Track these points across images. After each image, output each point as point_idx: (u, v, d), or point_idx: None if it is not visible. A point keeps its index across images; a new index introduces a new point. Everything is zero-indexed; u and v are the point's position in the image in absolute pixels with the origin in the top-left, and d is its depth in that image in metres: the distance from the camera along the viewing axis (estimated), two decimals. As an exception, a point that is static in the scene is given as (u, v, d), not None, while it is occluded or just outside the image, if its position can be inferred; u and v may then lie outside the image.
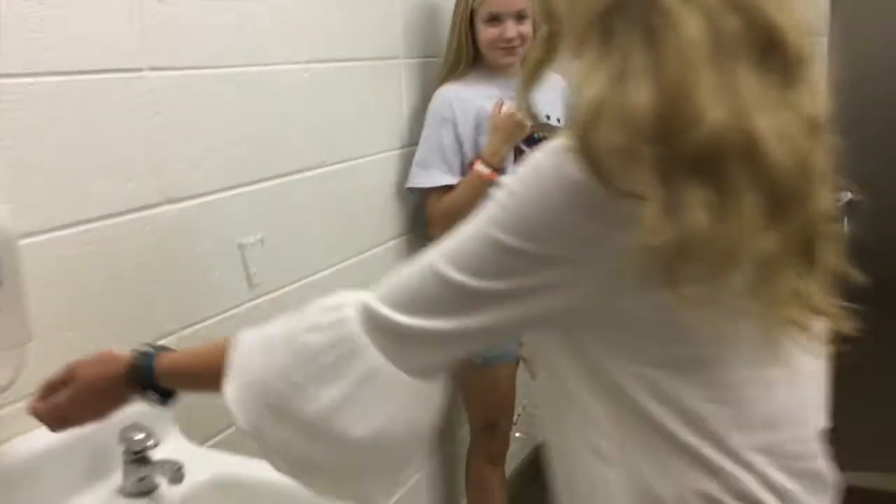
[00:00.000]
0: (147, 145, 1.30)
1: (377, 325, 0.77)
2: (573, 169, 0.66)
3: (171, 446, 1.21)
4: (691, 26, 0.64)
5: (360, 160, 1.85)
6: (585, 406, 0.77)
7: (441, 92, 1.97)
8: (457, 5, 1.97)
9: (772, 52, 0.66)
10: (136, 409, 1.07)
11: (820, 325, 0.74)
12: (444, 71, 2.01)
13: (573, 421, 0.79)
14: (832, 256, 0.72)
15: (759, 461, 0.74)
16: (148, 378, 0.93)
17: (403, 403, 0.79)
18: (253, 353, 0.83)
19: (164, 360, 0.93)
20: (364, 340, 0.77)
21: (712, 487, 0.73)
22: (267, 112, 1.55)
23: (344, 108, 1.78)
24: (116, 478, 1.17)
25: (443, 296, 0.74)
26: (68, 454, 1.12)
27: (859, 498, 1.15)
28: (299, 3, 1.62)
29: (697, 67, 0.63)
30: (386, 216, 1.97)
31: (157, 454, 1.16)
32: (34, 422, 1.02)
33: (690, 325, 0.68)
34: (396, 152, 1.99)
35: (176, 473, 1.12)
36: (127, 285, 1.27)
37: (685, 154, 0.63)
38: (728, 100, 0.64)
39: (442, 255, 0.75)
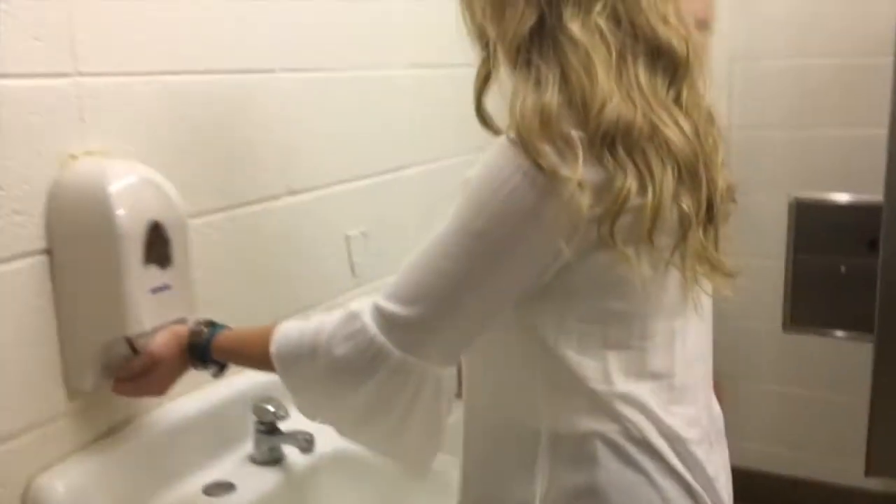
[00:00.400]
0: (277, 140, 1.40)
1: (390, 324, 0.85)
2: (519, 157, 0.79)
3: (296, 418, 1.31)
4: (588, 43, 0.81)
5: (452, 160, 1.95)
6: (509, 353, 0.91)
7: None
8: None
9: (658, 56, 0.83)
10: (267, 383, 1.17)
11: (709, 285, 0.91)
12: None
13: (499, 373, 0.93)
14: (725, 225, 0.90)
15: (656, 407, 0.87)
16: (205, 354, 1.04)
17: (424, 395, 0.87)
18: (291, 356, 0.93)
19: (219, 341, 1.04)
20: (381, 341, 0.85)
21: (612, 430, 0.85)
22: (371, 113, 1.65)
23: (442, 109, 1.87)
24: (247, 446, 1.27)
25: (434, 282, 0.84)
26: (204, 424, 1.22)
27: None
28: (409, 11, 1.72)
29: (596, 71, 0.80)
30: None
31: (284, 426, 1.25)
32: (175, 392, 1.14)
33: (623, 282, 0.83)
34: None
35: (307, 443, 1.22)
36: (257, 268, 1.37)
37: (604, 133, 0.79)
38: (629, 92, 0.81)
39: (429, 247, 0.85)
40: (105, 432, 1.11)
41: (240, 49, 1.30)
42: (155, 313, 1.03)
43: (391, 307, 0.85)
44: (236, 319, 1.16)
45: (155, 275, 1.03)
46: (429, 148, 1.84)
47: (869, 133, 2.22)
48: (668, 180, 0.81)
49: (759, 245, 2.42)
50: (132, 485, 1.10)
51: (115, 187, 0.99)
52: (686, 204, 0.83)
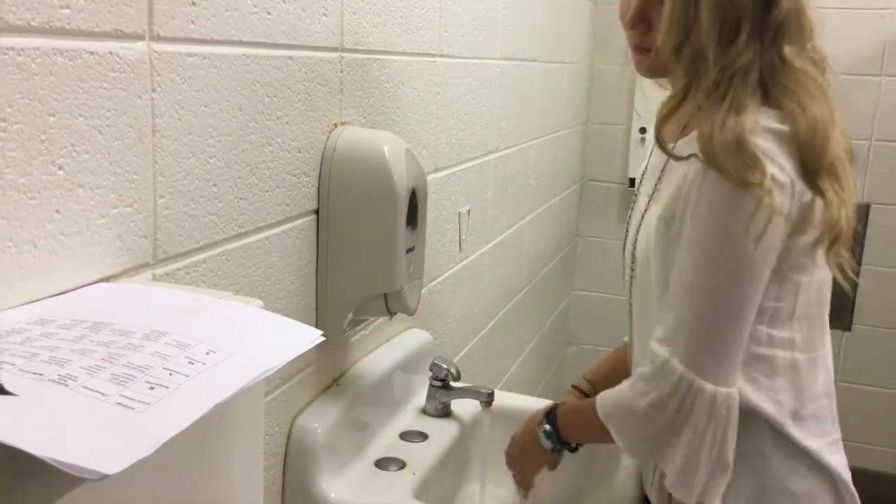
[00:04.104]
0: (432, 119, 1.51)
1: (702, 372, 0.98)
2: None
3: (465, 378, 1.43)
4: (810, 73, 0.98)
5: (532, 142, 2.10)
6: None
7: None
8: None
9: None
10: (441, 345, 1.29)
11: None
12: None
13: None
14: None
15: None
16: (557, 441, 1.20)
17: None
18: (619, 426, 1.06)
19: (562, 424, 1.19)
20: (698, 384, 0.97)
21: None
22: (480, 99, 1.78)
23: (527, 98, 2.03)
24: (419, 399, 1.39)
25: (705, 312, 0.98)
26: (392, 378, 1.33)
27: None
28: (506, 7, 1.85)
29: (818, 100, 0.96)
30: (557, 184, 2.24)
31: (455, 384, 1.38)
32: (377, 342, 1.25)
33: (794, 288, 0.99)
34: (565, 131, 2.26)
35: (489, 397, 1.35)
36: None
37: (824, 165, 0.94)
38: (834, 120, 0.97)
39: (684, 283, 0.98)
40: (332, 382, 1.20)
41: (418, 33, 1.41)
42: (405, 273, 1.13)
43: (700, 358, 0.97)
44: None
45: (408, 237, 1.14)
46: (518, 133, 2.00)
47: None
48: (849, 196, 0.97)
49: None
50: (354, 428, 1.20)
51: (390, 154, 1.09)
52: (851, 216, 0.98)
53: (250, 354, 0.63)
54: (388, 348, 1.35)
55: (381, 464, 1.21)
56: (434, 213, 1.59)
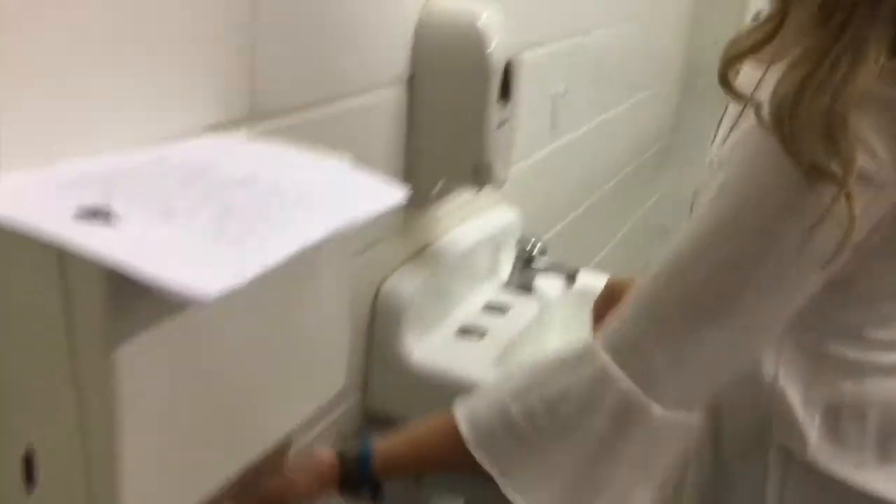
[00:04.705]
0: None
1: None
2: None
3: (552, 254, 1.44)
4: None
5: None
6: None
7: None
8: None
9: None
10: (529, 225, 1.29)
11: None
12: None
13: None
14: None
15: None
16: (363, 479, 0.85)
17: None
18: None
19: (379, 459, 0.84)
20: None
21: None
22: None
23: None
24: (504, 274, 1.42)
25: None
26: (479, 250, 1.35)
27: None
28: None
29: None
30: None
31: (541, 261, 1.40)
32: (465, 216, 1.25)
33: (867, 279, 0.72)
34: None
35: (572, 275, 1.36)
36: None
37: None
38: None
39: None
40: (419, 250, 1.24)
41: None
42: (496, 145, 1.14)
43: None
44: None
45: (500, 110, 1.13)
46: (619, 13, 1.93)
47: None
48: None
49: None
50: (439, 297, 1.24)
51: (487, 23, 1.07)
52: None
53: (339, 205, 0.66)
54: (475, 222, 1.37)
55: (463, 332, 1.25)
56: (529, 90, 1.56)
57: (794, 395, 0.74)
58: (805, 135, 0.63)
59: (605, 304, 0.90)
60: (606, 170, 2.16)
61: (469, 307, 1.31)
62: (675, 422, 0.72)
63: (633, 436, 0.70)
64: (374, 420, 1.18)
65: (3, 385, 0.58)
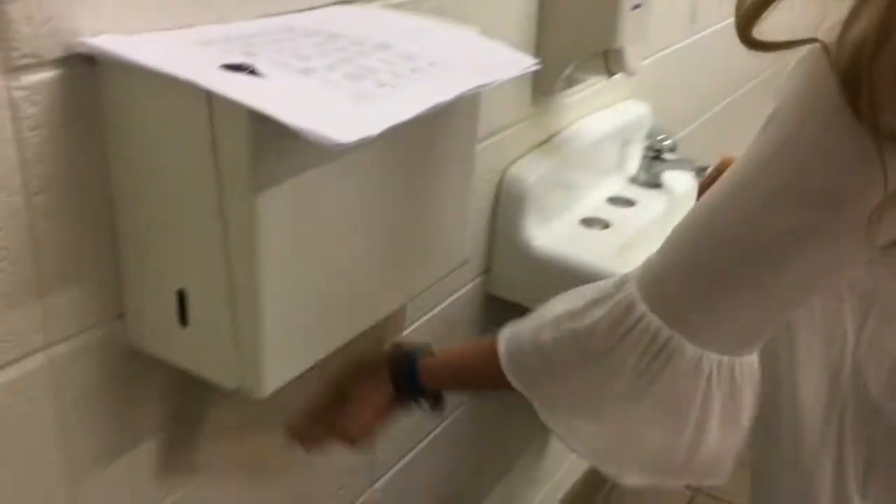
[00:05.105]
0: None
1: None
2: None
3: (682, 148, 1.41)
4: None
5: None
6: None
7: None
8: None
9: None
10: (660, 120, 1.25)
11: None
12: None
13: None
14: None
15: None
16: (413, 384, 0.85)
17: None
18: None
19: (428, 366, 0.85)
20: None
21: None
22: None
23: None
24: (631, 168, 1.39)
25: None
26: (607, 143, 1.33)
27: None
28: None
29: None
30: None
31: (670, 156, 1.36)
32: (594, 107, 1.23)
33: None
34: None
35: (702, 170, 1.32)
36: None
37: None
38: None
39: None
40: (545, 139, 1.23)
41: None
42: (629, 30, 1.10)
43: None
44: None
45: (636, -7, 1.09)
46: None
47: None
48: None
49: None
50: (564, 186, 1.24)
51: None
52: None
53: (469, 70, 0.66)
54: (605, 114, 1.34)
55: (586, 222, 1.25)
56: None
57: None
58: (888, 92, 0.49)
59: (713, 183, 0.84)
60: (747, 68, 2.05)
61: (594, 199, 1.30)
62: (722, 364, 0.64)
63: (659, 374, 0.64)
64: (495, 302, 1.21)
65: (159, 230, 0.63)
